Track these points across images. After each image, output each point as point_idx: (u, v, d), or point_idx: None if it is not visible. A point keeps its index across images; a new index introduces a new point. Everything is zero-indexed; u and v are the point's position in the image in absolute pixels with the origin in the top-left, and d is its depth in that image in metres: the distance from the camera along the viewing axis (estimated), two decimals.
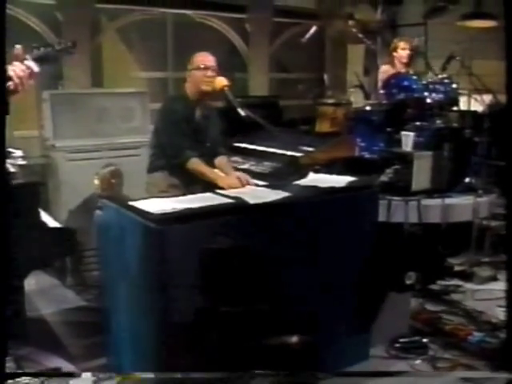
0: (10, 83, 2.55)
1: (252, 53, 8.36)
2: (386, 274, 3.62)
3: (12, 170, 3.73)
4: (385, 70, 6.05)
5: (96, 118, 5.18)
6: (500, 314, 3.88)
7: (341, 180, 3.60)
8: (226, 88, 3.94)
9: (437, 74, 5.44)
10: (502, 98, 3.54)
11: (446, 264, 4.97)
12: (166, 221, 2.72)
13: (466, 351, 3.65)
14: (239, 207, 3.01)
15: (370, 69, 6.80)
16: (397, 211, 4.53)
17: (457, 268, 4.95)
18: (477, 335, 3.76)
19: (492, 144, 5.13)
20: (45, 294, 4.39)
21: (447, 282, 4.75)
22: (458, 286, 4.70)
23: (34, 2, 6.38)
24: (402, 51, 6.09)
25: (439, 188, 4.81)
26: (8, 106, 2.52)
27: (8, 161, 3.76)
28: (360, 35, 6.01)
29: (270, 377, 2.91)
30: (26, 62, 2.62)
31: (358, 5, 6.93)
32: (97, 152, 5.13)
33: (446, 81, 5.37)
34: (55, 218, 4.07)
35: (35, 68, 2.66)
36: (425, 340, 3.73)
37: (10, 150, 4.15)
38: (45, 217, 3.80)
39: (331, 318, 3.25)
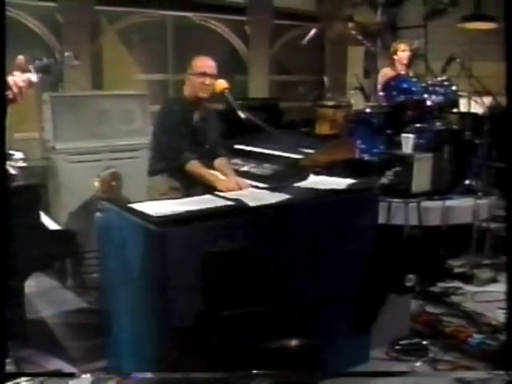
0: (9, 92, 2.56)
1: (252, 55, 8.37)
2: (386, 275, 3.62)
3: (12, 172, 3.73)
4: (385, 73, 6.06)
5: (96, 120, 5.18)
6: (500, 316, 3.88)
7: (341, 182, 3.60)
8: (226, 90, 3.94)
9: (437, 76, 5.45)
10: (502, 100, 3.54)
11: (446, 266, 4.97)
12: (166, 223, 2.72)
13: (466, 353, 3.65)
14: (239, 209, 3.01)
15: (370, 71, 6.81)
16: (397, 213, 4.53)
17: (457, 270, 4.95)
18: (477, 337, 3.76)
19: (492, 146, 5.13)
20: (45, 295, 4.39)
21: (447, 284, 4.75)
22: (458, 288, 4.70)
23: (34, 5, 6.39)
24: (402, 53, 6.10)
25: (439, 190, 4.82)
26: (6, 114, 2.52)
27: (8, 163, 3.77)
28: (360, 37, 6.03)
29: (270, 377, 2.91)
30: (26, 74, 2.62)
31: (357, 7, 6.92)
32: (97, 154, 5.13)
33: (445, 83, 5.38)
34: (55, 220, 4.07)
35: (34, 79, 2.66)
36: (425, 342, 3.73)
37: (11, 152, 4.15)
38: (45, 219, 3.81)
39: (331, 319, 3.25)
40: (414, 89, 5.32)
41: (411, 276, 4.03)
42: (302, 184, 3.64)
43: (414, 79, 5.45)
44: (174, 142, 4.03)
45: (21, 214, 3.32)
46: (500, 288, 4.26)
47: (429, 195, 4.76)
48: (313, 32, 6.09)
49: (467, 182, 5.11)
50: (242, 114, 3.81)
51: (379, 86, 5.83)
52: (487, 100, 5.46)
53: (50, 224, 3.83)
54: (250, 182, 4.16)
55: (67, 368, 3.42)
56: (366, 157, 5.09)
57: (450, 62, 5.50)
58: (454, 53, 5.58)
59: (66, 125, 4.99)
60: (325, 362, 3.20)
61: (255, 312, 2.89)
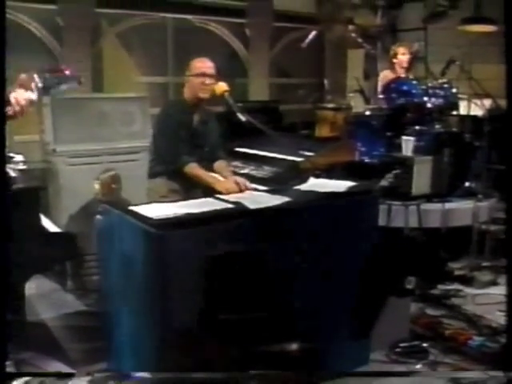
0: (9, 108, 2.56)
1: (252, 57, 8.38)
2: (386, 278, 3.62)
3: (13, 174, 3.73)
4: (385, 75, 6.06)
5: (96, 122, 5.18)
6: (500, 318, 3.88)
7: (341, 185, 3.60)
8: (226, 93, 3.95)
9: (437, 79, 5.46)
10: (502, 103, 3.55)
11: (446, 268, 4.97)
12: (166, 226, 2.72)
13: (467, 356, 3.65)
14: (239, 212, 3.01)
15: (370, 73, 6.82)
16: (397, 216, 4.54)
17: (457, 272, 4.95)
18: (477, 340, 3.75)
19: (492, 148, 5.14)
20: (45, 298, 4.39)
21: (447, 287, 4.74)
22: (458, 291, 4.69)
23: (34, 7, 6.39)
24: (402, 56, 6.10)
25: (439, 192, 4.83)
26: (5, 117, 2.53)
27: (9, 165, 3.77)
28: (360, 40, 6.04)
29: (270, 377, 2.91)
30: (28, 93, 2.62)
31: (357, 9, 6.94)
32: (97, 157, 5.13)
33: (445, 85, 5.39)
34: (55, 223, 4.07)
35: (35, 98, 2.66)
36: (425, 344, 3.73)
37: (11, 154, 4.15)
38: (45, 221, 3.81)
39: (331, 322, 3.25)
40: (413, 91, 5.33)
41: (411, 278, 4.04)
42: (302, 187, 3.64)
43: (414, 82, 5.46)
44: (173, 145, 4.03)
45: (21, 217, 3.32)
46: (500, 290, 4.26)
47: (429, 198, 4.76)
48: (313, 34, 6.09)
49: (467, 184, 5.12)
50: (242, 117, 3.82)
51: (379, 89, 5.83)
52: (487, 102, 5.47)
53: (50, 226, 3.83)
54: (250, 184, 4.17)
55: (67, 370, 3.42)
56: (366, 159, 5.10)
57: (450, 65, 5.52)
58: (453, 55, 5.59)
59: (66, 127, 4.98)
60: (325, 365, 3.20)
61: (255, 316, 2.89)
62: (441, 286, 4.72)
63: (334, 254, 3.22)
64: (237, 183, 3.79)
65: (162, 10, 7.38)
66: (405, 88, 5.39)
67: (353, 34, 6.01)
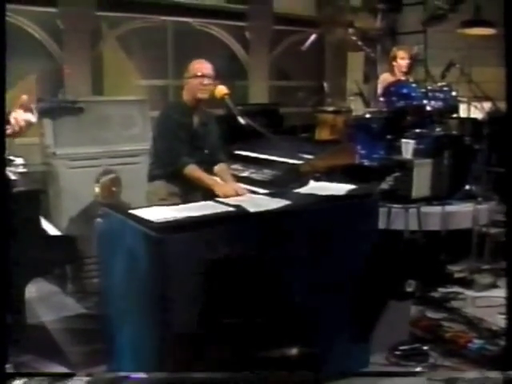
0: (9, 127, 2.57)
1: (252, 60, 8.38)
2: (387, 281, 3.62)
3: (13, 177, 3.74)
4: (384, 78, 6.06)
5: (97, 125, 5.18)
6: (500, 321, 3.87)
7: (341, 188, 3.61)
8: (226, 96, 3.95)
9: (436, 82, 5.46)
10: (502, 105, 3.55)
11: (446, 271, 4.97)
12: (166, 229, 2.72)
13: (467, 358, 3.65)
14: (239, 215, 3.01)
15: (370, 76, 6.83)
16: (397, 218, 4.53)
17: (457, 275, 4.95)
18: (477, 342, 3.75)
19: (492, 151, 5.14)
20: (45, 301, 4.40)
21: (447, 289, 4.75)
22: (458, 293, 4.70)
23: (35, 10, 6.40)
24: (401, 60, 6.10)
25: (439, 195, 4.82)
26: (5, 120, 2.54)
27: (9, 168, 3.77)
28: (360, 43, 6.03)
29: (270, 378, 2.91)
30: (27, 114, 2.62)
31: (357, 13, 6.94)
32: (97, 160, 5.13)
33: (445, 88, 5.39)
34: (56, 226, 4.07)
35: (34, 120, 2.66)
36: (425, 347, 3.73)
37: (11, 157, 4.16)
38: (45, 224, 3.81)
39: (331, 325, 3.25)
40: (413, 94, 5.33)
41: (411, 281, 4.04)
42: (302, 190, 3.65)
43: (414, 85, 5.45)
44: (172, 147, 4.04)
45: (21, 220, 3.32)
46: (500, 293, 4.25)
47: (429, 200, 4.76)
48: (313, 37, 6.09)
49: (467, 187, 5.12)
50: (242, 120, 3.82)
51: (379, 92, 5.83)
52: (487, 105, 5.48)
53: (51, 229, 3.83)
54: (249, 187, 4.18)
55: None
56: (366, 162, 5.09)
57: (450, 68, 5.52)
58: (453, 58, 5.59)
59: (66, 130, 4.98)
60: (325, 368, 3.20)
61: (255, 319, 2.89)
62: (441, 289, 4.72)
63: (333, 256, 3.23)
64: (235, 189, 3.79)
65: (162, 13, 7.39)
66: (404, 91, 5.39)
67: (353, 37, 6.00)
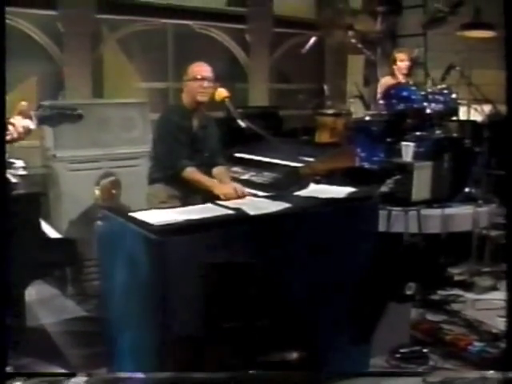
0: (8, 133, 2.57)
1: (252, 63, 8.38)
2: (387, 284, 3.62)
3: (13, 180, 3.74)
4: (385, 81, 6.07)
5: (97, 128, 5.18)
6: (500, 323, 3.87)
7: (341, 190, 3.61)
8: (226, 99, 3.96)
9: (436, 84, 5.46)
10: (502, 108, 3.56)
11: (447, 274, 4.97)
12: (166, 232, 2.72)
13: (467, 361, 3.65)
14: (239, 218, 3.01)
15: (370, 79, 6.83)
16: (397, 221, 4.53)
17: (457, 278, 4.95)
18: (477, 345, 3.75)
19: (492, 154, 5.14)
20: (45, 303, 4.39)
21: (447, 292, 4.74)
22: (459, 296, 4.70)
23: (35, 13, 6.41)
24: (401, 63, 6.11)
25: (439, 198, 4.83)
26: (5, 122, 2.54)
27: (9, 171, 3.77)
28: (360, 46, 6.04)
29: (271, 378, 2.90)
30: (26, 121, 2.62)
31: (357, 15, 6.94)
32: (97, 162, 5.14)
33: (445, 91, 5.39)
34: (56, 228, 4.08)
35: (33, 127, 2.67)
36: (425, 350, 3.73)
37: (11, 160, 4.16)
38: (45, 227, 3.81)
39: (332, 328, 3.25)
40: (413, 97, 5.33)
41: (411, 284, 4.04)
42: (302, 192, 3.64)
43: (414, 87, 5.46)
44: (172, 149, 4.04)
45: (21, 222, 3.32)
46: (500, 296, 4.25)
47: (429, 203, 4.76)
48: (313, 40, 6.10)
49: (467, 189, 5.12)
50: (242, 123, 3.83)
51: (379, 95, 5.84)
52: (487, 108, 5.48)
53: (51, 232, 3.84)
54: (250, 190, 4.18)
55: None
56: (366, 165, 5.09)
57: (450, 70, 5.52)
58: (453, 61, 5.59)
59: (66, 133, 4.98)
60: (325, 371, 3.20)
61: (255, 323, 2.89)
62: (441, 292, 4.72)
63: (333, 259, 3.22)
64: (235, 189, 3.80)
65: (162, 16, 7.38)
66: (404, 94, 5.40)
67: (353, 40, 6.01)
